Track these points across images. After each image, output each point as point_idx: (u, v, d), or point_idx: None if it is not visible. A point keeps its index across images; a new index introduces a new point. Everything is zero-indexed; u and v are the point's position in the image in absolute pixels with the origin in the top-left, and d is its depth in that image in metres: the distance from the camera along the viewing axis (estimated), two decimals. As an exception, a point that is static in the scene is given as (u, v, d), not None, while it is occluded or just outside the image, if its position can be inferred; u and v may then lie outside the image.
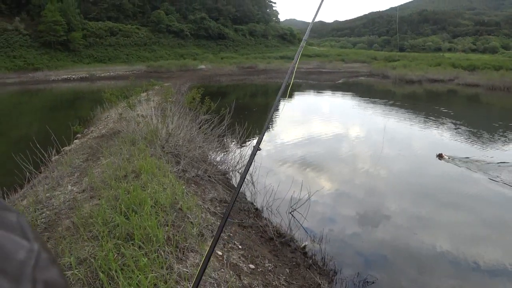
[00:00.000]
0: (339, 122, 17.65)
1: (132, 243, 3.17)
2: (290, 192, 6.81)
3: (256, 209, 6.64)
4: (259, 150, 1.98)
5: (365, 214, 7.16)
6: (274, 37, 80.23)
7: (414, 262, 5.53)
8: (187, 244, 3.46)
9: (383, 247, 5.98)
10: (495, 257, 5.70)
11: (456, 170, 9.78)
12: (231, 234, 4.61)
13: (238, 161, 8.36)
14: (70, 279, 2.74)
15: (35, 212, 4.30)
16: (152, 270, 2.85)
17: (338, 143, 13.24)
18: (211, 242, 1.60)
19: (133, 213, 3.63)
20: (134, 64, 52.16)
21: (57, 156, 8.06)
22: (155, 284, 2.73)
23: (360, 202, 7.81)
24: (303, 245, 5.44)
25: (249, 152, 8.21)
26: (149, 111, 9.96)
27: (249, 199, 7.13)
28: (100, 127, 12.21)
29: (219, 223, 4.77)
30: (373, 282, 4.78)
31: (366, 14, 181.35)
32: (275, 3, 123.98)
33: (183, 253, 3.31)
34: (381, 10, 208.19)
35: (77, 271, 2.79)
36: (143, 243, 3.17)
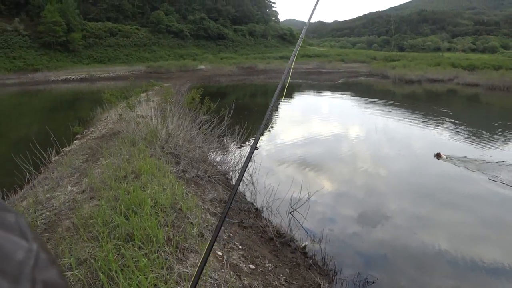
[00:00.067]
0: (338, 122, 17.66)
1: (132, 244, 3.17)
2: (290, 192, 6.81)
3: (256, 209, 6.64)
4: (257, 149, 1.97)
5: (365, 214, 7.16)
6: (273, 37, 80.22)
7: (414, 261, 5.53)
8: (187, 245, 3.46)
9: (383, 247, 5.98)
10: (495, 256, 5.70)
11: (455, 170, 9.79)
12: (231, 235, 4.61)
13: (238, 161, 8.36)
14: (70, 279, 2.73)
15: (35, 213, 4.30)
16: (152, 271, 2.85)
17: (337, 143, 13.25)
18: (209, 241, 1.60)
19: (133, 213, 3.63)
20: (134, 64, 52.12)
21: (57, 157, 8.06)
22: (155, 285, 2.73)
23: (360, 202, 7.82)
24: (303, 245, 5.44)
25: (249, 152, 8.18)
26: (148, 112, 9.96)
27: (249, 199, 7.13)
28: (100, 128, 12.21)
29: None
30: (373, 282, 4.79)
31: (365, 14, 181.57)
32: (274, 3, 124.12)
33: (183, 254, 3.31)
34: (380, 10, 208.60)
35: (77, 272, 2.79)
36: (143, 243, 3.17)
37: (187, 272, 3.00)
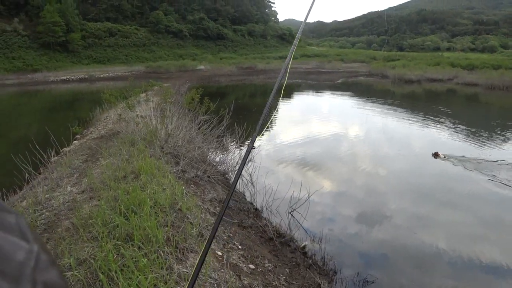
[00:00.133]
0: (338, 121, 17.67)
1: (131, 244, 3.17)
2: (290, 192, 6.82)
3: (256, 209, 6.64)
4: (254, 148, 1.97)
5: (365, 214, 7.17)
6: (273, 37, 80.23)
7: (414, 261, 5.53)
8: (187, 245, 3.46)
9: (383, 246, 5.99)
10: (494, 256, 5.71)
11: (453, 169, 9.81)
12: (231, 235, 4.62)
13: (237, 162, 8.36)
14: (70, 280, 2.73)
15: (35, 213, 4.29)
16: (152, 271, 2.85)
17: (337, 142, 13.26)
18: (206, 240, 1.60)
19: (133, 213, 3.63)
20: (133, 64, 52.11)
21: (56, 157, 8.06)
22: (155, 285, 2.73)
23: (360, 202, 7.82)
24: (302, 245, 5.44)
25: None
26: (148, 112, 9.95)
27: (248, 199, 7.13)
28: (99, 128, 12.20)
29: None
30: (373, 282, 4.79)
31: (365, 14, 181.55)
32: (274, 3, 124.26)
33: (183, 254, 3.31)
34: (379, 10, 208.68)
35: (76, 272, 2.79)
36: (142, 243, 3.17)
37: (187, 272, 3.00)
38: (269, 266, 4.17)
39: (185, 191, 4.99)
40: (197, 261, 1.48)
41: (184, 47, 64.33)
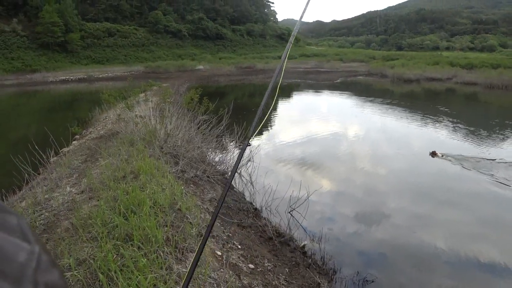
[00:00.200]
0: (337, 121, 17.67)
1: (131, 244, 3.17)
2: (289, 191, 6.82)
3: (255, 209, 6.65)
4: (249, 145, 1.98)
5: (364, 213, 7.17)
6: (272, 37, 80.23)
7: (413, 260, 5.54)
8: (186, 245, 3.46)
9: (382, 245, 5.99)
10: (492, 255, 5.72)
11: (452, 168, 9.82)
12: (230, 234, 4.62)
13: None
14: (69, 280, 2.73)
15: (34, 213, 4.29)
16: (152, 271, 2.85)
17: (336, 142, 13.26)
18: (203, 238, 1.60)
19: (132, 213, 3.63)
20: (132, 65, 52.09)
21: (55, 158, 8.05)
22: (154, 285, 2.73)
23: (359, 201, 7.83)
24: (302, 244, 5.45)
25: (247, 152, 8.20)
26: (147, 112, 9.95)
27: (248, 199, 7.14)
28: (99, 128, 12.19)
29: (218, 223, 4.78)
30: (372, 281, 4.79)
31: (363, 14, 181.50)
32: (273, 3, 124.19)
33: (183, 254, 3.31)
34: (378, 9, 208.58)
35: (76, 272, 2.79)
36: (142, 243, 3.17)
37: (186, 272, 3.00)
38: (268, 265, 4.17)
39: (184, 191, 4.99)
40: (193, 258, 1.48)
41: (183, 47, 64.31)
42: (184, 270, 3.03)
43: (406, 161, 10.90)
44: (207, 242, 3.74)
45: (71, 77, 43.28)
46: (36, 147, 6.41)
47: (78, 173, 6.19)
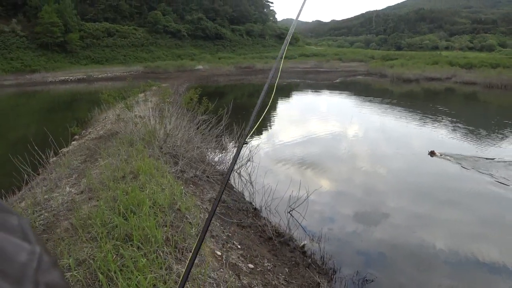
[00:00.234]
0: (336, 121, 17.67)
1: (131, 244, 3.17)
2: (289, 191, 6.83)
3: (255, 209, 6.65)
4: (246, 143, 1.99)
5: (363, 213, 7.18)
6: (271, 37, 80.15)
7: (413, 260, 5.55)
8: (186, 245, 3.46)
9: (382, 245, 5.99)
10: (492, 254, 5.73)
11: (451, 167, 9.84)
12: (230, 234, 4.62)
13: (236, 161, 8.35)
14: (69, 280, 2.73)
15: (33, 214, 4.29)
16: (151, 271, 2.85)
17: (335, 142, 13.27)
18: (200, 236, 1.60)
19: (132, 214, 3.63)
20: (132, 65, 52.03)
21: (55, 158, 8.05)
22: (154, 285, 2.73)
23: (358, 201, 7.83)
24: (302, 244, 5.45)
25: (247, 152, 8.20)
26: (147, 112, 9.94)
27: (247, 199, 7.14)
28: (98, 128, 12.19)
29: (217, 223, 4.78)
30: (372, 281, 4.80)
31: (363, 13, 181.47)
32: (272, 3, 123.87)
33: (182, 254, 3.32)
34: (378, 9, 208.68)
35: (76, 273, 2.79)
36: (142, 243, 3.17)
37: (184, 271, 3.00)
38: (268, 265, 4.18)
39: (184, 191, 4.99)
40: (190, 255, 1.48)
41: (182, 47, 64.26)
42: (184, 270, 3.03)
43: (406, 160, 10.91)
44: (206, 243, 3.74)
45: (71, 77, 43.23)
46: (36, 147, 6.41)
47: (78, 174, 6.19)
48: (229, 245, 4.22)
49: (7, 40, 45.82)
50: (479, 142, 12.95)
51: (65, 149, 9.15)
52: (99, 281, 2.70)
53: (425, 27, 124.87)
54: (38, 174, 6.77)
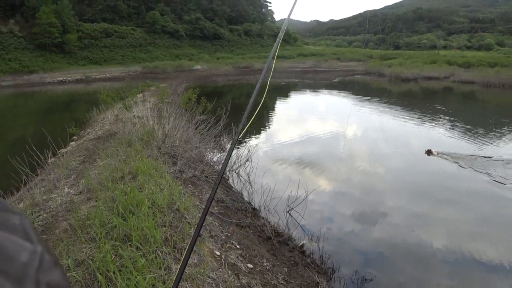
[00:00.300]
0: (335, 120, 17.67)
1: (129, 244, 3.17)
2: (288, 191, 6.83)
3: (254, 208, 6.65)
4: (240, 140, 2.01)
5: (362, 212, 7.19)
6: (269, 36, 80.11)
7: (412, 259, 5.56)
8: (185, 245, 3.46)
9: (381, 244, 6.00)
10: (490, 253, 5.74)
11: (448, 166, 9.86)
12: (229, 234, 4.62)
13: (235, 161, 8.37)
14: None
15: (32, 214, 4.29)
16: (150, 271, 2.85)
17: (334, 141, 13.27)
18: (196, 233, 1.61)
19: (131, 214, 3.63)
20: (130, 65, 51.97)
21: (53, 159, 8.04)
22: (153, 285, 2.73)
23: (357, 200, 7.84)
24: (301, 244, 5.45)
25: (246, 152, 8.20)
26: (145, 112, 9.94)
27: (246, 198, 7.14)
28: (96, 129, 12.17)
29: (216, 223, 4.78)
30: (371, 280, 4.80)
31: (361, 13, 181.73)
32: (270, 3, 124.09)
33: (181, 254, 3.31)
34: (376, 8, 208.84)
35: (75, 273, 2.79)
36: (140, 244, 3.18)
37: (185, 272, 3.01)
38: (267, 265, 4.18)
39: (182, 191, 4.99)
40: (184, 252, 1.48)
41: (180, 47, 64.22)
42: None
43: (404, 159, 10.93)
44: (205, 242, 3.75)
45: (69, 78, 43.15)
46: (34, 148, 6.41)
47: (76, 174, 6.18)
48: (228, 245, 4.23)
49: (5, 41, 45.72)
50: (477, 140, 12.98)
51: (63, 150, 9.14)
52: (98, 281, 2.70)
53: (423, 27, 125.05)
54: (37, 175, 6.76)
